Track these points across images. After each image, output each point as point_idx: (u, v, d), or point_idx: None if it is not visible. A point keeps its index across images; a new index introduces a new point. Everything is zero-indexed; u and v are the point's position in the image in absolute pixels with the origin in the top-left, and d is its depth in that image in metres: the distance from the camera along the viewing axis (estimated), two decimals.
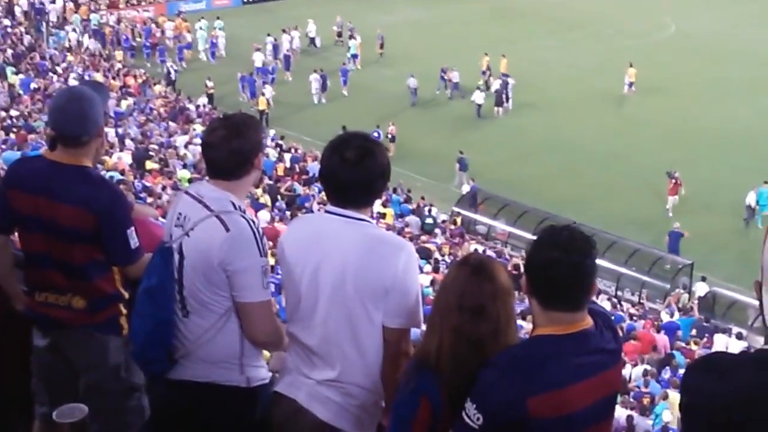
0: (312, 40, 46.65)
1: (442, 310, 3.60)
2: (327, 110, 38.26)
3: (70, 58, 39.80)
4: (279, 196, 26.70)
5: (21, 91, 33.83)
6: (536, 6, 55.26)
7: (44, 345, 4.92)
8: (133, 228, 4.70)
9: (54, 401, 4.68)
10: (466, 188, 31.45)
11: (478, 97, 38.65)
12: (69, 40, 43.82)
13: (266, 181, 26.92)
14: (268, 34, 44.71)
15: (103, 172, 16.89)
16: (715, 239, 28.22)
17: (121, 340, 4.77)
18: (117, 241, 4.66)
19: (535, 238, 3.50)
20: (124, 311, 4.77)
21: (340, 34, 47.47)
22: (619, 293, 25.29)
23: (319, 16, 50.45)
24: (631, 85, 41.43)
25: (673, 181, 29.75)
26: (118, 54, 43.27)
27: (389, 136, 33.96)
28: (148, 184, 24.26)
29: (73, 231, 4.60)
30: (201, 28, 46.91)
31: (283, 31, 45.60)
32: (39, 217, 4.64)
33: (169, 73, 39.61)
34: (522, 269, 16.12)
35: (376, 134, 32.49)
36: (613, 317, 15.38)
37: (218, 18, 48.40)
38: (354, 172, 3.93)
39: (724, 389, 2.69)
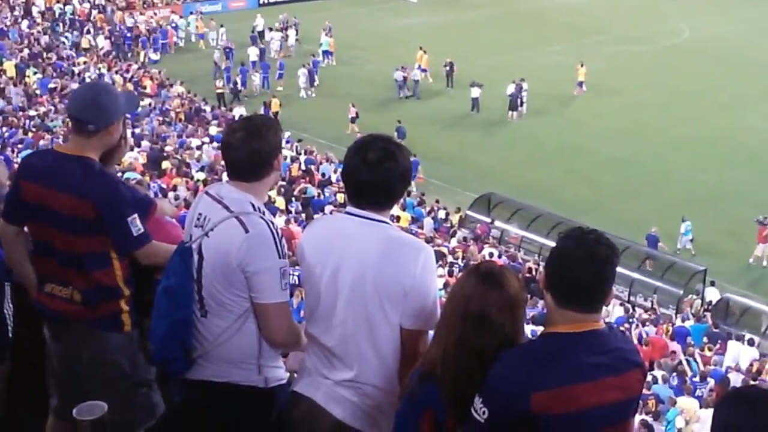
0: (260, 33, 46.88)
1: (446, 318, 3.59)
2: (318, 105, 38.72)
3: (83, 59, 39.76)
4: (294, 198, 26.74)
5: (38, 91, 33.90)
6: (550, 11, 55.22)
7: (50, 338, 4.93)
8: (135, 216, 4.63)
9: (61, 394, 4.82)
10: None
11: (474, 91, 38.90)
12: (89, 41, 43.80)
13: (280, 182, 26.90)
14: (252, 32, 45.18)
15: (119, 173, 16.96)
16: (717, 240, 28.38)
17: (123, 337, 4.74)
18: (118, 229, 4.60)
19: (559, 236, 3.52)
20: (126, 308, 4.73)
21: (284, 29, 47.60)
22: (632, 298, 25.22)
23: (334, 18, 50.49)
24: (581, 84, 41.51)
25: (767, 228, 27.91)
26: (141, 54, 43.43)
27: (351, 117, 35.80)
28: (163, 185, 24.32)
29: (72, 221, 4.60)
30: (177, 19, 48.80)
31: (270, 29, 46.56)
32: (44, 207, 4.65)
33: (235, 83, 39.63)
34: (536, 273, 16.31)
35: (397, 130, 33.15)
36: (627, 324, 15.25)
37: (191, 13, 50.17)
38: (374, 173, 3.95)
39: (756, 423, 2.79)
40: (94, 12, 48.18)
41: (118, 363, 4.76)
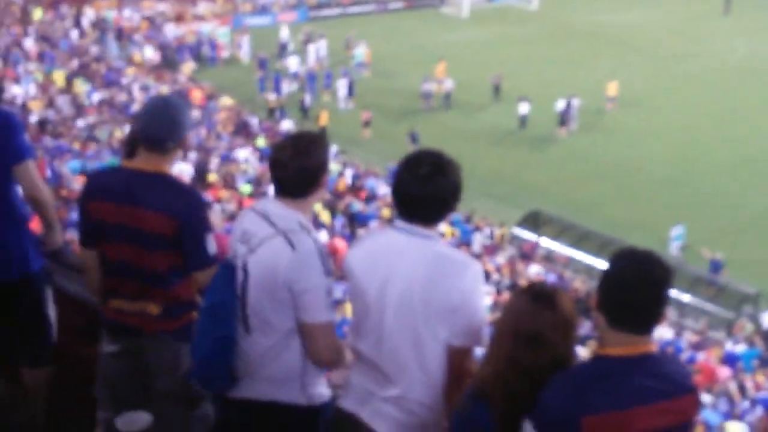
0: (283, 45, 46.82)
1: (499, 338, 3.57)
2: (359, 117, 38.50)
3: (130, 70, 39.98)
4: (339, 213, 26.68)
5: (86, 102, 34.14)
6: (602, 27, 54.92)
7: (114, 351, 4.95)
8: (212, 234, 4.76)
9: (119, 408, 4.81)
10: None
11: (522, 107, 38.31)
12: (141, 55, 43.95)
13: (326, 196, 26.83)
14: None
15: None
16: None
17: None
18: (195, 245, 4.71)
19: (612, 257, 3.46)
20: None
21: (307, 41, 47.21)
22: (682, 321, 24.82)
23: (384, 32, 50.96)
24: (612, 99, 41.05)
25: None
26: (187, 67, 43.49)
27: (363, 122, 36.67)
28: (210, 198, 24.32)
29: (154, 237, 4.66)
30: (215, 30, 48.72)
31: (307, 42, 46.55)
32: (122, 225, 4.71)
33: (302, 101, 39.39)
34: (583, 292, 16.07)
35: (411, 135, 34.10)
36: (671, 347, 14.94)
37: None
38: (425, 188, 3.93)
39: None
40: (128, 23, 48.20)
41: (187, 374, 4.76)
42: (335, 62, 44.58)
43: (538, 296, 3.52)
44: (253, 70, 42.78)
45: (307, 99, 39.15)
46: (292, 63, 43.23)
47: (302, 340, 4.28)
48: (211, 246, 4.75)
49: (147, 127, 4.73)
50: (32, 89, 33.66)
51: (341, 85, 40.73)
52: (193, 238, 4.70)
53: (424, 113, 39.85)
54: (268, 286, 4.20)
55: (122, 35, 45.87)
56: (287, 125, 35.15)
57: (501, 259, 26.46)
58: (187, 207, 4.69)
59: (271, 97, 39.13)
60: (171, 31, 47.51)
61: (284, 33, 47.30)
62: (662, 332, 21.82)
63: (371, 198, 28.74)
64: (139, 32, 46.67)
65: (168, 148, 4.73)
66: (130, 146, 4.93)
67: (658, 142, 37.46)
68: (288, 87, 40.82)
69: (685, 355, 20.41)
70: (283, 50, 46.29)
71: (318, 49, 45.77)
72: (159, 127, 4.69)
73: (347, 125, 37.12)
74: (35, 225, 5.54)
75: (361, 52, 45.54)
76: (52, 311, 5.46)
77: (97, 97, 34.57)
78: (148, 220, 4.65)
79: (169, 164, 4.82)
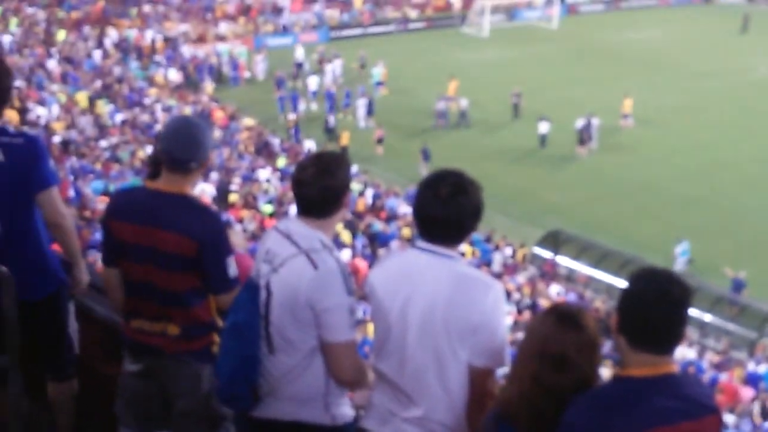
0: (299, 65, 47.06)
1: (523, 359, 3.54)
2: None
3: (152, 91, 40.11)
4: (359, 233, 26.69)
5: (109, 122, 34.28)
6: (623, 46, 54.94)
7: (136, 370, 4.95)
8: (233, 257, 4.75)
9: (141, 427, 4.90)
10: None
11: (542, 126, 38.28)
12: (163, 77, 44.09)
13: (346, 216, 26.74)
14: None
15: None
16: None
17: (211, 369, 4.78)
18: (216, 269, 4.70)
19: (631, 277, 3.44)
20: (217, 340, 4.77)
21: (321, 61, 47.50)
22: (703, 341, 24.66)
23: (404, 52, 51.18)
24: (626, 117, 41.11)
25: None
26: (207, 87, 43.64)
27: (377, 139, 37.16)
28: (231, 218, 24.40)
29: (175, 258, 4.65)
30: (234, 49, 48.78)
31: (321, 61, 46.87)
32: (142, 246, 4.70)
33: (326, 122, 39.44)
34: (603, 312, 16.02)
35: (423, 152, 34.40)
36: (692, 366, 14.83)
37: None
38: (445, 209, 3.92)
39: None
40: (147, 43, 48.28)
41: (208, 395, 4.83)
42: (353, 81, 44.75)
43: (563, 317, 3.50)
44: (271, 90, 42.97)
45: (331, 120, 39.16)
46: (312, 82, 43.46)
47: (325, 360, 4.27)
48: (232, 269, 4.74)
49: (169, 148, 4.70)
50: (55, 110, 33.79)
51: (360, 105, 40.94)
52: (214, 260, 4.68)
53: (441, 132, 39.94)
54: (291, 305, 4.20)
55: (142, 55, 46.06)
56: (309, 145, 35.21)
57: (522, 278, 26.42)
58: (208, 229, 4.67)
59: (292, 116, 39.24)
60: (188, 51, 47.71)
61: (299, 53, 47.60)
62: (684, 352, 21.71)
63: (392, 218, 28.73)
64: (158, 53, 46.81)
65: (191, 169, 4.72)
66: (154, 166, 4.91)
67: (678, 160, 37.39)
68: (306, 105, 41.08)
69: (707, 376, 20.28)
70: (299, 70, 46.56)
71: (334, 69, 46.04)
72: (181, 147, 4.67)
73: (367, 144, 37.24)
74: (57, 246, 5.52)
75: (378, 71, 45.70)
76: (72, 326, 5.47)
77: (119, 117, 34.64)
78: (168, 241, 4.64)
79: (191, 185, 4.81)
